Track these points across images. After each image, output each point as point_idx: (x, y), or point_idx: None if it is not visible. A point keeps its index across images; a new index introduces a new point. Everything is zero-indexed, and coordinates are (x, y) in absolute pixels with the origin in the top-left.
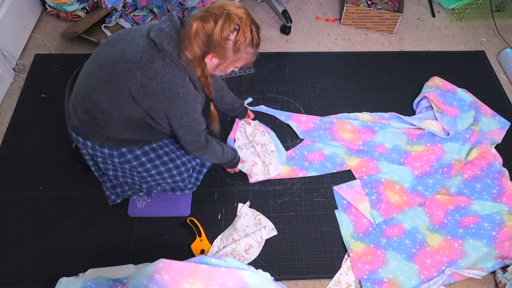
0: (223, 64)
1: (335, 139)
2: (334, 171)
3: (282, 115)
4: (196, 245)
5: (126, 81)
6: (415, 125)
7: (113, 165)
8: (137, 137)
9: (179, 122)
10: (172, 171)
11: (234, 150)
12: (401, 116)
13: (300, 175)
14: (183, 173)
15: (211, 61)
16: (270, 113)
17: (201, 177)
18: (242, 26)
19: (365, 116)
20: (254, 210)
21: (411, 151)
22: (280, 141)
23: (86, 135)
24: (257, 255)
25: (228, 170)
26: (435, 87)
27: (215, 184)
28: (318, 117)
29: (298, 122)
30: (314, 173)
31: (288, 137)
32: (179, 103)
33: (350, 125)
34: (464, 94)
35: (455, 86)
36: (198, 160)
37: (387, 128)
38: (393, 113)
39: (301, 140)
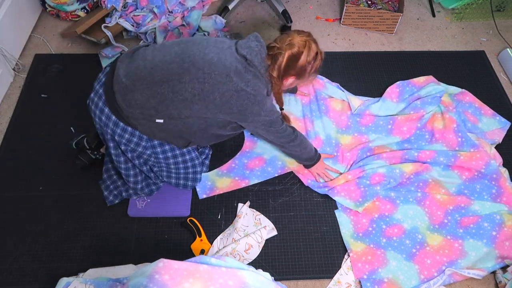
0: (295, 83)
1: (328, 110)
2: (276, 175)
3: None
4: (196, 245)
5: (222, 84)
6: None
7: (134, 150)
8: (182, 133)
9: (263, 120)
10: (187, 163)
11: (315, 148)
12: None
13: (243, 185)
14: (197, 167)
15: (287, 81)
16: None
17: (204, 168)
18: (319, 55)
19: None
20: (254, 210)
21: (397, 116)
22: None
23: (129, 117)
24: (257, 255)
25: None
26: (413, 85)
27: None
28: (314, 93)
29: (300, 95)
30: (256, 181)
31: None
32: (264, 105)
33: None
34: (434, 86)
35: (431, 82)
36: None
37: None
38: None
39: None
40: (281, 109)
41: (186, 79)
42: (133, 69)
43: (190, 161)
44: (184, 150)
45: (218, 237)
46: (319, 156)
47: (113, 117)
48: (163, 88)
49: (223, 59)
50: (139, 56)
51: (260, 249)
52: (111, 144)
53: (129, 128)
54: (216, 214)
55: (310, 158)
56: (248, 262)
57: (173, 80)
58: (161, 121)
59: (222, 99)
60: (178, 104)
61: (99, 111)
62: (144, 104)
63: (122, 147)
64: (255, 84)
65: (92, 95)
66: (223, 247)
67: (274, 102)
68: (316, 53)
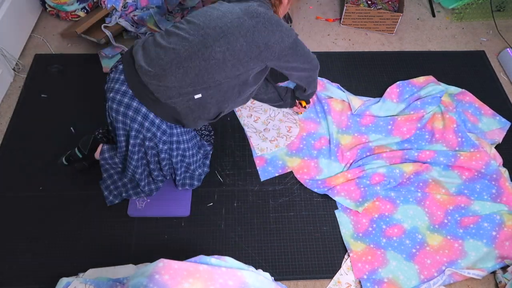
0: (290, 2)
1: (330, 110)
2: (277, 174)
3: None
4: None
5: (240, 28)
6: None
7: (155, 145)
8: (217, 102)
9: (301, 51)
10: (191, 163)
11: None
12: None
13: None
14: (197, 169)
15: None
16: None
17: (205, 169)
18: None
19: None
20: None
21: (397, 117)
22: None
23: (159, 95)
24: (298, 132)
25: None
26: (413, 85)
27: (215, 184)
28: (316, 94)
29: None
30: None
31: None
32: (282, 27)
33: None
34: (434, 86)
35: (431, 82)
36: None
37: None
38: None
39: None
40: None
41: (210, 42)
42: (154, 57)
43: (193, 163)
44: (190, 152)
45: (254, 138)
46: None
47: (143, 109)
48: (193, 61)
49: (227, 11)
50: (153, 44)
51: (298, 128)
52: (133, 141)
53: (157, 121)
54: (216, 214)
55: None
56: (291, 141)
57: (200, 50)
58: (199, 95)
59: (247, 40)
60: (212, 70)
61: (124, 107)
62: (181, 83)
63: (146, 143)
64: (265, 12)
65: (112, 94)
66: (263, 140)
67: None
68: None
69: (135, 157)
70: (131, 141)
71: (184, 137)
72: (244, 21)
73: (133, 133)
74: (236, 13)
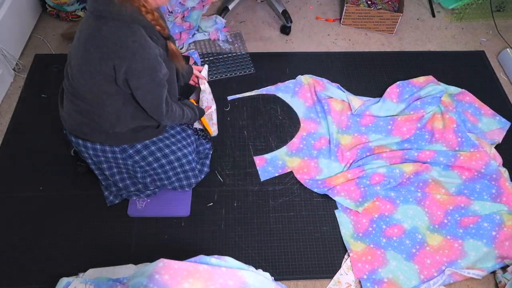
0: None
1: (329, 110)
2: (277, 174)
3: (289, 92)
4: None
5: (89, 62)
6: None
7: (117, 165)
8: (132, 124)
9: (138, 82)
10: (174, 163)
11: (195, 110)
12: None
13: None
14: (185, 165)
15: None
16: (279, 93)
17: (205, 169)
18: None
19: (356, 100)
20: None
21: (397, 117)
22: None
23: (85, 135)
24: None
25: None
26: (413, 85)
27: (215, 184)
28: (316, 94)
29: (304, 98)
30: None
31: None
32: (136, 59)
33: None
34: (434, 86)
35: (430, 82)
36: (200, 149)
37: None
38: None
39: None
40: (166, 38)
41: (75, 83)
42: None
43: (176, 160)
44: (167, 151)
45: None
46: (202, 113)
47: (80, 141)
48: (73, 101)
49: (79, 41)
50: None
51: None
52: (90, 161)
53: (98, 146)
54: (216, 214)
55: (189, 120)
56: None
57: (70, 91)
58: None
59: (101, 74)
60: (92, 108)
61: (69, 139)
62: (71, 116)
63: (104, 165)
64: (114, 35)
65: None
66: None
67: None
68: None
69: (107, 173)
70: (89, 161)
71: (147, 142)
72: (90, 54)
73: (85, 155)
74: (83, 44)
